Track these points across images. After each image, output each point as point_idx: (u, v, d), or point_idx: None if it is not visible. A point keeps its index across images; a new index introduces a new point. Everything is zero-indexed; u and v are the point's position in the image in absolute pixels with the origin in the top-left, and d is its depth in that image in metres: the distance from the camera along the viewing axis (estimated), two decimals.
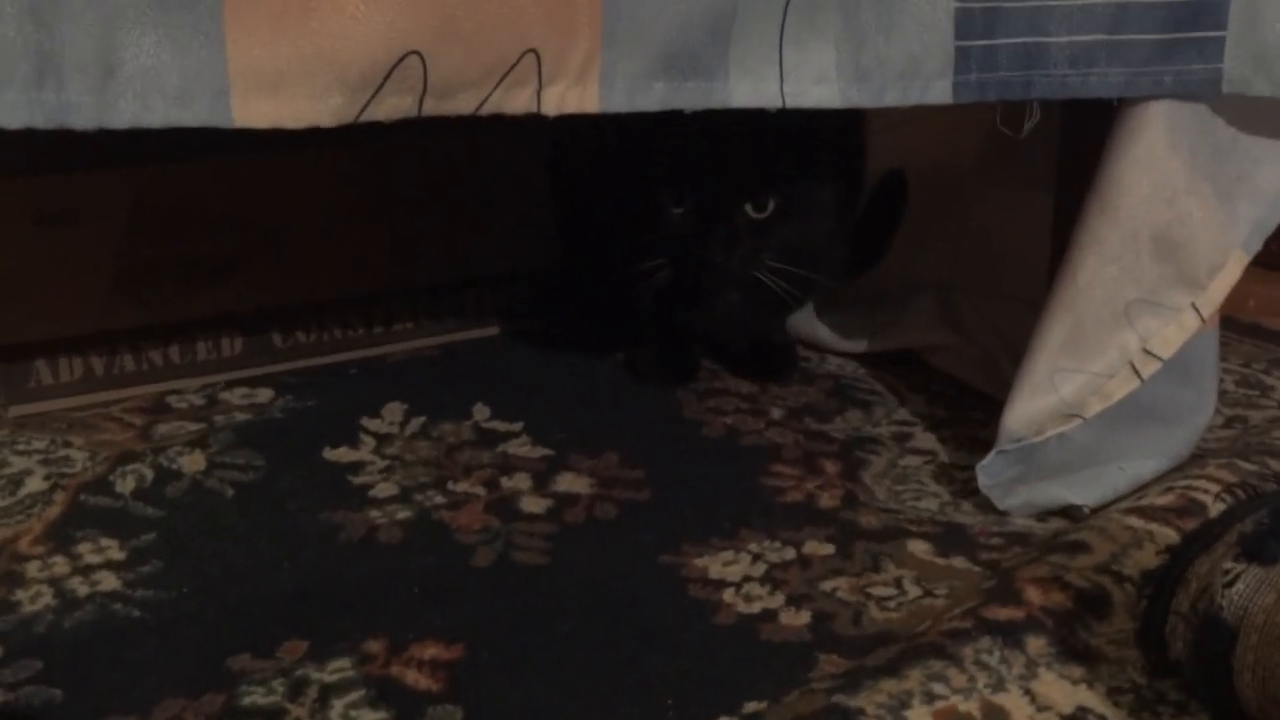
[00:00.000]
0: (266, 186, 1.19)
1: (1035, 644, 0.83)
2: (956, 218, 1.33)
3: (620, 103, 0.84)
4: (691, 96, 0.86)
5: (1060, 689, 0.80)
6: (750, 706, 0.79)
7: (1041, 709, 0.78)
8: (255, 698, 0.80)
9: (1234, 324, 1.36)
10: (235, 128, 0.75)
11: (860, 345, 1.30)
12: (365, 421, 1.13)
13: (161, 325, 1.19)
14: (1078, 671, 0.81)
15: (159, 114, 0.73)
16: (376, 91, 0.77)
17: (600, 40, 0.83)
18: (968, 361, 1.25)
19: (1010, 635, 0.83)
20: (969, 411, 1.18)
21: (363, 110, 0.77)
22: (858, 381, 1.26)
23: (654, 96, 0.85)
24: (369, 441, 1.11)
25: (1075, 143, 1.08)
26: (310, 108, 0.76)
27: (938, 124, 1.29)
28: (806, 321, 1.32)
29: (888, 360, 1.29)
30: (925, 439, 1.14)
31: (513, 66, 0.80)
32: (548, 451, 1.10)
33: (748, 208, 1.10)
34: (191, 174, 1.16)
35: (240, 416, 1.14)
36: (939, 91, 0.92)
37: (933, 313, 1.30)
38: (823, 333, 1.31)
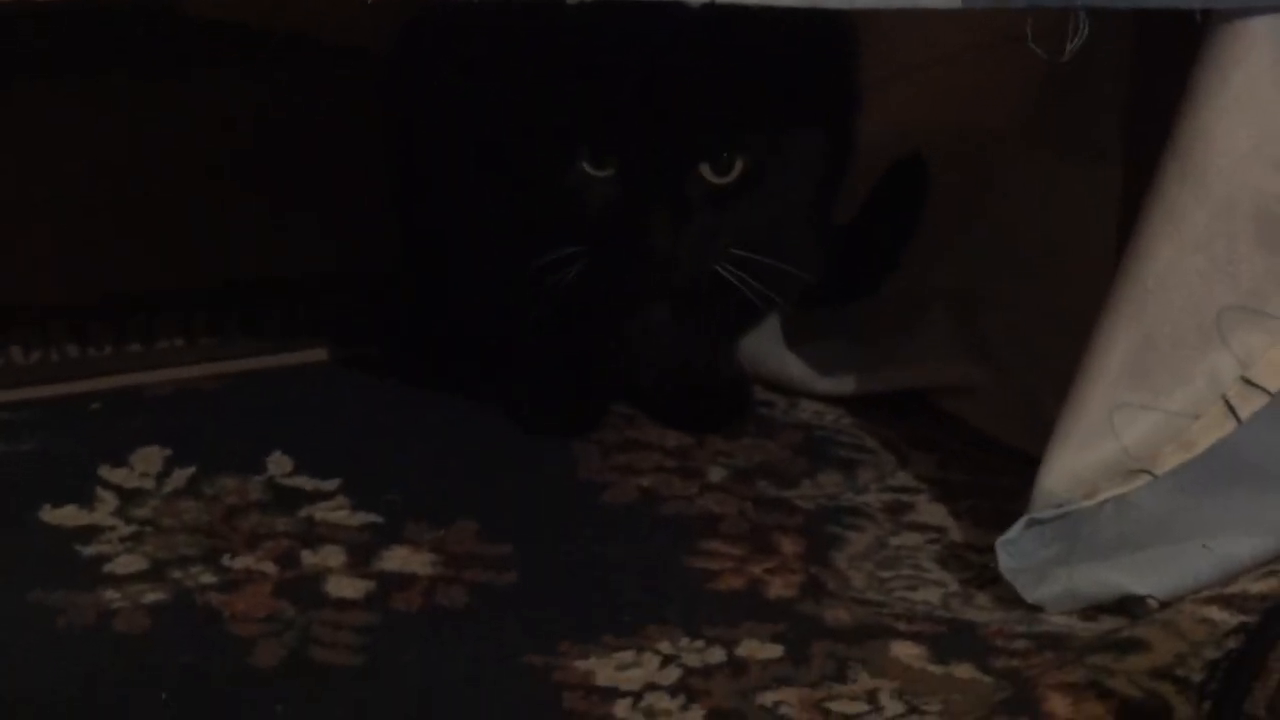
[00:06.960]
0: None
1: None
2: (983, 202, 1.35)
3: None
4: None
5: None
6: None
7: None
8: None
9: None
10: None
11: (847, 385, 1.31)
12: (105, 472, 1.14)
13: None
14: None
15: None
16: None
17: None
18: (997, 405, 1.27)
19: None
20: (996, 476, 1.19)
21: None
22: (839, 434, 1.27)
23: None
24: (108, 499, 1.11)
25: (1152, 82, 1.11)
26: None
27: (959, 72, 1.32)
28: (772, 353, 1.33)
29: (885, 406, 1.30)
30: (931, 511, 1.15)
31: None
32: (373, 519, 1.11)
33: (705, 170, 1.10)
34: None
35: None
36: None
37: (947, 335, 1.32)
38: (794, 368, 1.32)
